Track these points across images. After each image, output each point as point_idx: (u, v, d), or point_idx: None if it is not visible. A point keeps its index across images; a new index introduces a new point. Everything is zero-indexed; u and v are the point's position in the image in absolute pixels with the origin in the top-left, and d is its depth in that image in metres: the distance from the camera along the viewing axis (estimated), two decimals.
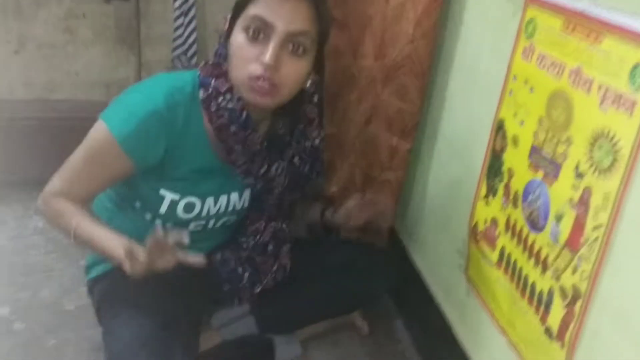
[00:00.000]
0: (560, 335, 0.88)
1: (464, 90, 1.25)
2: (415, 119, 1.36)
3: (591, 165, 0.82)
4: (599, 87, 0.81)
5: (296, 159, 1.21)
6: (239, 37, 1.02)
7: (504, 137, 1.06)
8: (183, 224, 1.15)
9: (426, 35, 1.27)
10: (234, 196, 1.18)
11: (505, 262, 1.06)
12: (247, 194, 1.20)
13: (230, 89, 1.06)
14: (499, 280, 1.08)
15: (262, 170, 1.15)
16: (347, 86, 1.50)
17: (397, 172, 1.42)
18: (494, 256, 1.10)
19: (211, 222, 1.19)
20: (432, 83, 1.34)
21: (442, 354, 1.32)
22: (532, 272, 0.97)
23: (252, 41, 1.00)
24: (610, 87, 0.79)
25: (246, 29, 1.00)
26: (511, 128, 1.04)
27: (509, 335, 1.06)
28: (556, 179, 0.91)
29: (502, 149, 1.07)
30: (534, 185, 0.97)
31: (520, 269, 1.01)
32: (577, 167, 0.85)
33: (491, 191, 1.11)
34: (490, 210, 1.12)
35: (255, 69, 1.00)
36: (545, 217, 0.93)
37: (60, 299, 1.50)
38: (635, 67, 0.74)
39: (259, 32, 1.00)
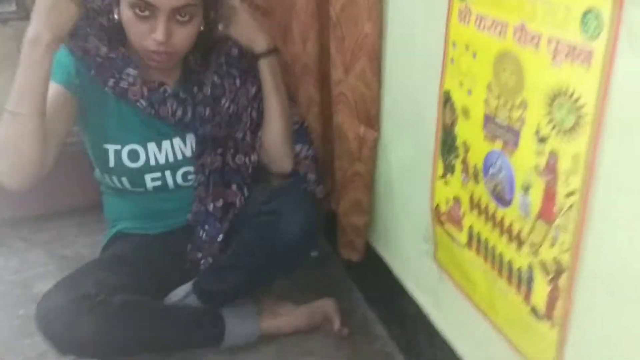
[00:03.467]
0: (548, 314, 0.82)
1: (405, 64, 1.16)
2: (377, 105, 1.27)
3: (553, 128, 0.75)
4: (549, 41, 0.73)
5: (217, 84, 1.28)
6: (127, 13, 1.11)
7: (452, 109, 0.99)
8: (137, 178, 1.27)
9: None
10: (177, 142, 1.28)
11: (475, 241, 0.99)
12: (190, 138, 1.29)
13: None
14: (472, 261, 1.01)
15: (181, 114, 1.23)
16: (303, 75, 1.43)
17: (366, 163, 1.33)
18: (463, 237, 1.02)
19: (168, 176, 1.29)
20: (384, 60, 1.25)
21: (423, 346, 1.25)
22: (506, 250, 0.90)
23: (141, 18, 1.11)
24: (561, 39, 0.71)
25: (132, 7, 1.10)
26: (459, 99, 0.96)
27: (491, 318, 0.99)
28: (516, 147, 0.83)
29: (453, 123, 0.99)
30: (494, 156, 0.89)
31: (493, 247, 0.94)
32: (537, 132, 0.78)
33: (448, 169, 1.04)
34: (450, 190, 1.04)
35: (149, 44, 1.13)
36: (511, 190, 0.86)
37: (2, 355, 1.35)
38: (586, 14, 0.67)
39: (145, 9, 1.09)
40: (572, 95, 0.71)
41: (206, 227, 1.29)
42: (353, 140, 1.37)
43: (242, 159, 1.35)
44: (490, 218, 0.94)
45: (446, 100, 1.00)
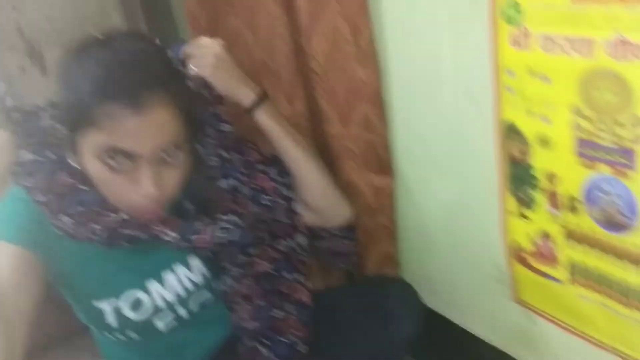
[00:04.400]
0: None
1: (421, 102, 1.06)
2: (388, 150, 1.15)
3: None
4: None
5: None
6: (94, 165, 0.81)
7: (522, 140, 0.89)
8: (146, 326, 0.93)
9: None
10: (180, 269, 0.95)
11: (582, 275, 0.90)
12: (194, 260, 0.96)
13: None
14: (580, 296, 0.91)
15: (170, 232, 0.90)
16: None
17: (388, 214, 1.20)
18: (562, 273, 0.93)
19: (181, 311, 0.96)
20: (388, 102, 1.14)
21: None
22: (630, 275, 0.81)
23: (116, 172, 0.80)
24: None
25: (101, 158, 0.80)
26: (530, 128, 0.87)
27: (620, 350, 0.89)
28: (633, 167, 0.74)
29: (525, 154, 0.90)
30: (599, 182, 0.80)
31: (611, 277, 0.85)
32: None
33: (525, 204, 0.94)
34: (533, 225, 0.94)
35: (134, 199, 0.82)
36: (633, 213, 0.77)
37: None
38: None
39: (121, 161, 0.79)
40: None
41: (269, 344, 0.99)
42: (368, 193, 1.25)
43: (288, 244, 1.03)
44: (602, 247, 0.84)
45: (510, 131, 0.90)
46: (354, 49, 1.11)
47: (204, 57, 0.94)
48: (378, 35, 1.07)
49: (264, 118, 0.99)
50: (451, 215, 1.13)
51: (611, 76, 0.73)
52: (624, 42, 0.69)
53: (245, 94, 0.98)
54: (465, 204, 1.07)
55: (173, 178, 0.84)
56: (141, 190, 0.80)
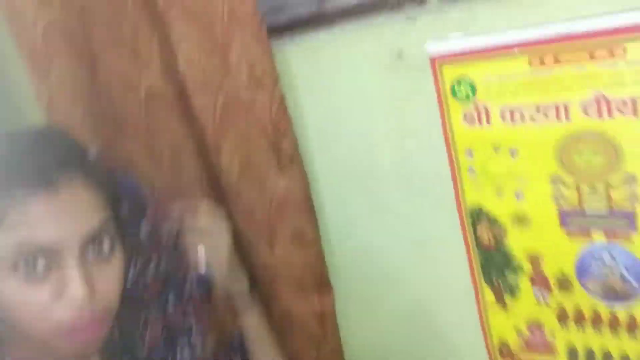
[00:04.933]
0: None
1: (371, 200, 0.95)
2: (324, 264, 1.00)
3: None
4: None
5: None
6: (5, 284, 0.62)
7: (493, 223, 0.81)
8: None
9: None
10: None
11: (587, 358, 0.81)
12: None
13: None
14: None
15: None
16: None
17: (335, 340, 1.03)
18: None
19: None
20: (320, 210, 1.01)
21: None
22: None
23: (34, 283, 0.62)
24: None
25: (13, 270, 0.61)
26: (502, 208, 0.80)
27: None
28: (635, 229, 0.69)
29: (500, 237, 0.81)
30: (594, 252, 0.73)
31: (619, 354, 0.77)
32: None
33: (505, 292, 0.84)
34: (519, 314, 0.85)
35: (61, 315, 0.63)
36: (638, 277, 0.71)
37: None
38: None
39: (36, 262, 0.62)
40: None
41: None
42: (310, 320, 1.08)
43: None
44: (606, 323, 0.77)
45: (479, 216, 0.82)
46: (273, 156, 0.98)
47: (218, 240, 0.83)
48: (302, 137, 0.96)
49: (254, 322, 0.93)
50: (415, 328, 0.99)
51: (594, 137, 0.68)
52: (605, 100, 0.65)
53: (239, 278, 0.89)
54: (432, 310, 0.95)
55: (106, 280, 0.66)
56: (66, 295, 0.61)
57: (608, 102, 0.66)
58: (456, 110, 0.78)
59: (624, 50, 0.63)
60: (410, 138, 0.85)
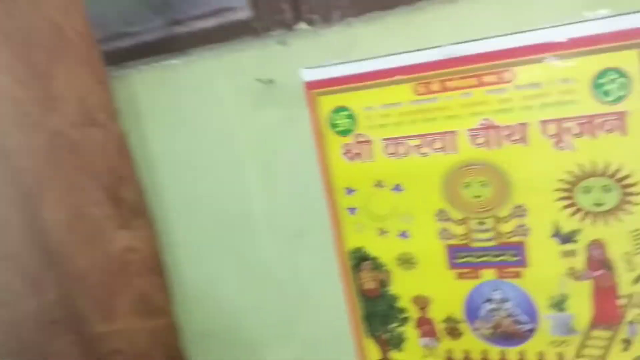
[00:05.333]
0: None
1: (237, 254, 0.83)
2: (177, 332, 0.84)
3: (584, 216, 0.62)
4: (543, 126, 0.61)
5: None
6: None
7: (376, 267, 0.74)
8: None
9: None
10: None
11: None
12: None
13: None
14: None
15: None
16: None
17: None
18: None
19: None
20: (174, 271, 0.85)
21: None
22: None
23: None
24: (564, 117, 0.60)
25: None
26: (386, 249, 0.73)
27: None
28: (524, 263, 0.67)
29: (383, 283, 0.74)
30: (483, 292, 0.70)
31: None
32: (556, 232, 0.64)
33: (389, 345, 0.77)
34: None
35: None
36: (532, 316, 0.68)
37: None
38: (601, 76, 0.58)
39: None
40: (605, 170, 0.60)
41: None
42: None
43: None
44: None
45: (360, 260, 0.74)
46: (110, 208, 0.82)
47: None
48: (151, 184, 0.81)
49: None
50: None
51: (482, 167, 0.65)
52: (494, 127, 0.63)
53: None
54: None
55: None
56: None
57: (497, 130, 0.63)
58: (335, 145, 0.71)
59: (514, 74, 0.61)
60: (283, 178, 0.76)
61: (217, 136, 0.77)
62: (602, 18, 0.56)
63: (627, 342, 0.65)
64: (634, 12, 0.54)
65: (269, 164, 0.76)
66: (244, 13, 0.73)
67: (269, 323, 0.83)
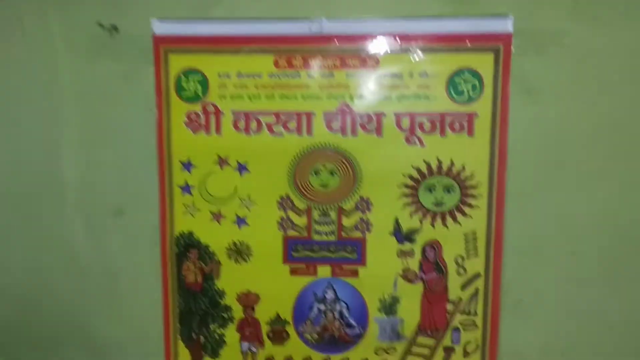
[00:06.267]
0: None
1: (27, 225, 0.69)
2: None
3: (424, 215, 0.63)
4: (398, 119, 0.62)
5: None
6: None
7: (205, 257, 0.67)
8: None
9: None
10: None
11: None
12: None
13: None
14: None
15: None
16: None
17: None
18: None
19: None
20: None
21: None
22: None
23: None
24: (418, 113, 0.61)
25: None
26: (218, 237, 0.66)
27: None
28: (362, 263, 0.65)
29: (209, 276, 0.67)
30: (317, 289, 0.66)
31: None
32: (396, 229, 0.64)
33: (205, 349, 0.69)
34: None
35: None
36: (362, 320, 0.66)
37: None
38: (457, 74, 0.60)
39: None
40: (450, 169, 0.62)
41: None
42: None
43: None
44: None
45: (187, 247, 0.66)
46: None
47: None
48: None
49: None
50: None
51: (334, 155, 0.63)
52: (351, 113, 0.61)
53: None
54: None
55: None
56: None
57: (353, 116, 0.61)
58: (179, 111, 0.64)
59: (377, 61, 0.60)
60: (109, 144, 0.65)
61: (36, 84, 0.65)
62: (465, 18, 0.58)
63: (450, 350, 0.65)
64: (494, 16, 0.58)
65: (94, 125, 0.65)
66: None
67: (66, 317, 0.69)
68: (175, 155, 0.64)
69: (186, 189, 0.65)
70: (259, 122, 0.62)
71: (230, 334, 0.67)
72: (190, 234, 0.65)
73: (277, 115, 0.62)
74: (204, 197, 0.64)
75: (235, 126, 0.63)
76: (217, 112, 0.63)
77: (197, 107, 0.63)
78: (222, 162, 0.63)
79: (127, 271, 0.67)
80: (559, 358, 0.64)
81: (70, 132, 0.65)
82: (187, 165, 0.64)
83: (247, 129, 0.63)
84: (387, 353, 0.65)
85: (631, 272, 0.62)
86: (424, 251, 0.63)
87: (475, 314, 0.63)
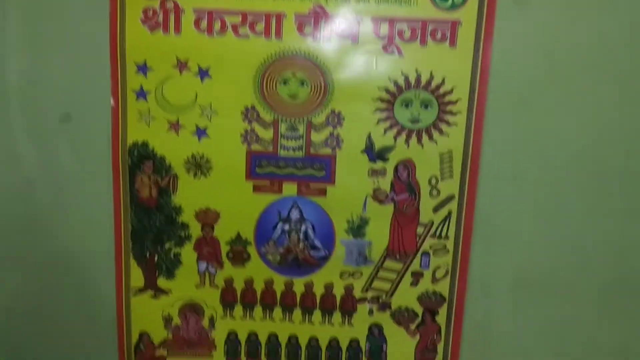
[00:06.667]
0: None
1: None
2: None
3: (399, 132, 0.59)
4: (376, 25, 0.57)
5: None
6: None
7: (161, 169, 0.62)
8: None
9: None
10: None
11: (252, 352, 0.67)
12: None
13: None
14: None
15: None
16: None
17: None
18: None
19: None
20: None
21: None
22: (328, 328, 0.65)
23: None
24: (398, 18, 0.57)
25: None
26: (176, 149, 0.61)
27: None
28: (331, 181, 0.61)
29: (164, 190, 0.62)
30: (282, 208, 0.62)
31: (296, 338, 0.66)
32: (369, 147, 0.60)
33: (159, 269, 0.65)
34: (171, 302, 0.65)
35: None
36: (328, 242, 0.63)
37: None
38: None
39: None
40: (429, 83, 0.58)
41: None
42: None
43: None
44: (278, 302, 0.65)
45: (140, 159, 0.61)
46: None
47: None
48: None
49: None
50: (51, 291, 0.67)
51: (304, 62, 0.57)
52: (325, 15, 0.56)
53: None
54: (72, 270, 0.66)
55: None
56: None
57: (328, 20, 0.56)
58: (135, 7, 0.57)
59: None
60: (55, 43, 0.59)
61: None
62: None
63: (418, 276, 0.62)
64: None
65: (39, 21, 0.58)
66: None
67: (6, 231, 0.63)
68: (129, 56, 0.58)
69: (141, 94, 0.59)
70: (223, 22, 0.57)
71: (187, 253, 0.63)
72: (145, 144, 0.60)
73: (243, 15, 0.56)
74: (161, 104, 0.59)
75: (197, 26, 0.57)
76: (177, 9, 0.57)
77: (155, 3, 0.57)
78: (181, 65, 0.58)
79: (75, 183, 0.62)
80: (530, 289, 0.62)
81: (13, 29, 0.59)
82: (143, 68, 0.58)
83: (209, 30, 0.57)
84: (353, 277, 0.62)
85: (612, 205, 0.59)
86: (396, 170, 0.59)
87: (447, 237, 0.60)
